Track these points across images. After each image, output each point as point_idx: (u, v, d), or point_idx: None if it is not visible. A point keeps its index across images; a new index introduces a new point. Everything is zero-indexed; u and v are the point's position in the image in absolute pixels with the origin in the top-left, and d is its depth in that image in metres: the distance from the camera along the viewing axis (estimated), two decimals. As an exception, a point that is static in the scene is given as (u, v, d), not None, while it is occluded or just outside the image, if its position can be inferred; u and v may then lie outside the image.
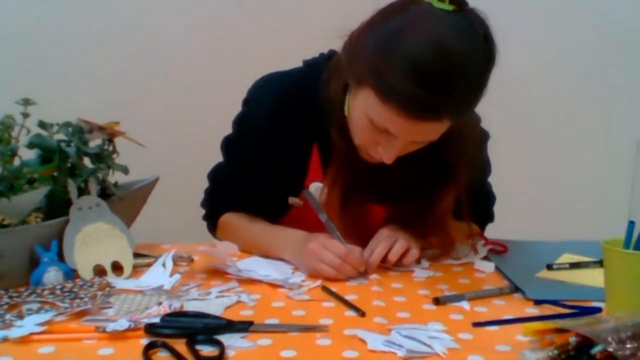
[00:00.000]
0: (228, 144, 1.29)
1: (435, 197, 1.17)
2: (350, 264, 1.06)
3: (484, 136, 1.29)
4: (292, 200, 1.20)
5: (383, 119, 1.00)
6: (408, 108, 0.96)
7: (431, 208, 1.17)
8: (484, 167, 1.32)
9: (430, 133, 1.03)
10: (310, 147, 1.21)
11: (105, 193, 1.13)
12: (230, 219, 1.29)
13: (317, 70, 1.17)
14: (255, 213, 1.25)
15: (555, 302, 0.94)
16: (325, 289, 1.01)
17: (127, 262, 1.07)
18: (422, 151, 1.08)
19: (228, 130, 1.31)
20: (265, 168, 1.21)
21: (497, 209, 1.38)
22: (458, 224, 1.21)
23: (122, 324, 0.83)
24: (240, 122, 1.27)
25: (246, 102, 1.26)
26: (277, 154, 1.20)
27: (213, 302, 0.95)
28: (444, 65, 0.94)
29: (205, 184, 1.35)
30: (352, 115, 1.08)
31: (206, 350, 0.79)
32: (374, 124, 1.02)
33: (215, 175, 1.32)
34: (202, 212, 1.35)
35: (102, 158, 1.11)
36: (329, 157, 1.18)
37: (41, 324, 0.84)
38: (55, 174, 1.08)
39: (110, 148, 1.13)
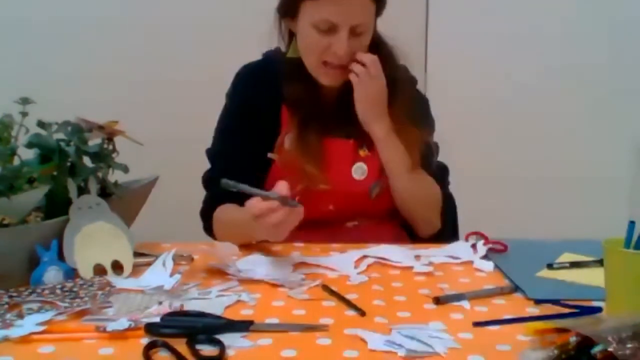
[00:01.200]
0: (210, 151, 1.39)
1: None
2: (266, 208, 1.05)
3: (422, 97, 1.46)
4: (270, 155, 1.29)
5: (321, 12, 1.21)
6: None
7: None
8: (427, 120, 1.42)
9: (360, 12, 1.23)
10: (279, 107, 1.33)
11: (105, 192, 1.13)
12: (218, 215, 1.31)
13: (276, 54, 1.38)
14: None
15: (555, 302, 0.94)
16: (325, 288, 1.01)
17: (128, 262, 1.07)
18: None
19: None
20: (245, 136, 1.33)
21: (497, 208, 1.38)
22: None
23: (122, 323, 0.83)
24: (223, 108, 1.39)
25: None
26: (251, 119, 1.32)
27: (213, 301, 0.95)
28: None
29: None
30: (300, 42, 1.28)
31: (206, 349, 0.79)
32: (318, 27, 1.22)
33: (205, 180, 1.37)
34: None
35: (102, 157, 1.11)
36: None
37: (41, 324, 0.84)
38: (55, 173, 1.08)
39: (110, 147, 1.13)
